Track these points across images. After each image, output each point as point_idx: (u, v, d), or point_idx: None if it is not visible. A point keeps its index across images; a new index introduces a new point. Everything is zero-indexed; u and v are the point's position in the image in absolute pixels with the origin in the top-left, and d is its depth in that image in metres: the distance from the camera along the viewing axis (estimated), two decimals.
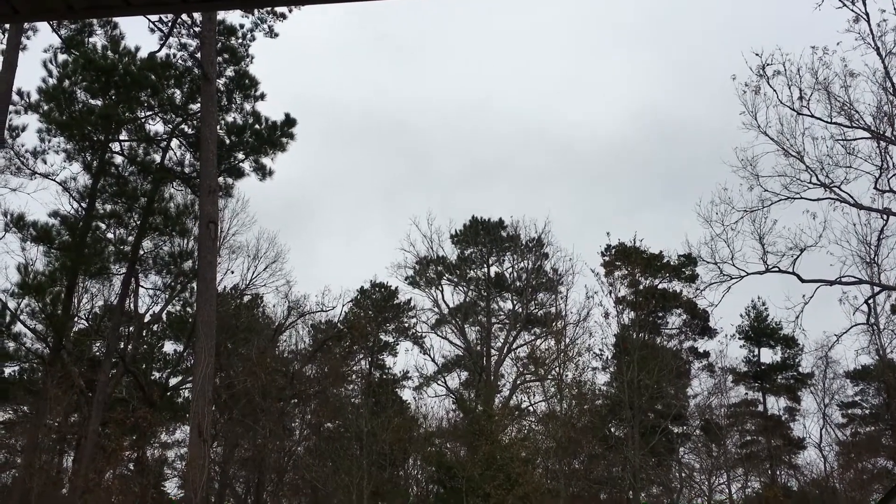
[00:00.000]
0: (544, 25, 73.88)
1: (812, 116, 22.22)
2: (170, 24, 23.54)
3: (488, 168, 65.38)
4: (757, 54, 22.78)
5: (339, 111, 70.20)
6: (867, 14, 20.98)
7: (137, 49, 26.51)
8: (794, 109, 22.33)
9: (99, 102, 26.44)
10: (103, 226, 27.82)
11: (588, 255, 59.36)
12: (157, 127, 27.94)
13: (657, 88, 68.79)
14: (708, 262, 24.20)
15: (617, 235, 44.04)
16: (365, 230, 60.65)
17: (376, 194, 63.62)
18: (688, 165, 60.90)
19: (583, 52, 69.00)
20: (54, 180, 26.84)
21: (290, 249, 51.61)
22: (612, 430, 35.07)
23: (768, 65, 22.28)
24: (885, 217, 22.69)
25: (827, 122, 22.11)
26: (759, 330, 43.39)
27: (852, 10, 20.96)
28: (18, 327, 26.93)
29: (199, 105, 24.54)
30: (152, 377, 31.75)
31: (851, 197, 22.25)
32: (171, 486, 35.20)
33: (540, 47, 69.87)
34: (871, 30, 20.97)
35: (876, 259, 25.07)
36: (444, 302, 40.95)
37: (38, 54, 26.02)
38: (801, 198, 22.62)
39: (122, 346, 28.69)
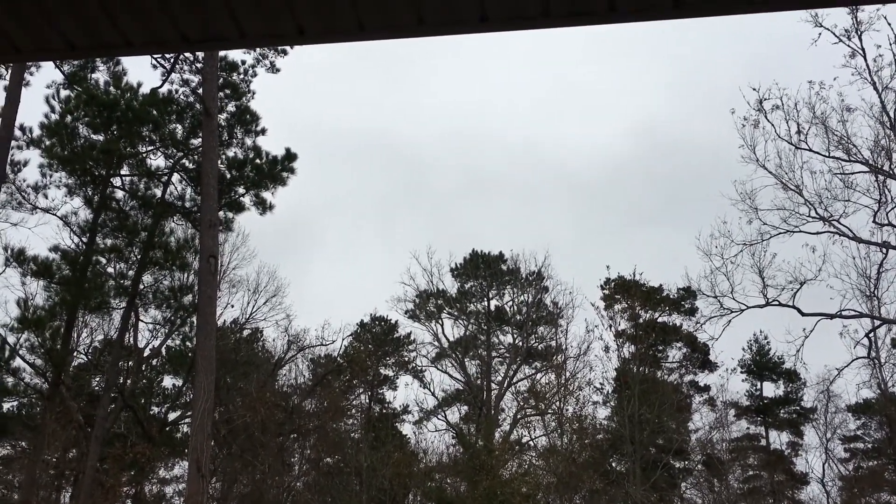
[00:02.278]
0: (535, 46, 74.05)
1: (810, 150, 22.43)
2: (172, 60, 23.77)
3: (484, 185, 65.36)
4: (754, 89, 23.05)
5: (330, 131, 69.96)
6: (863, 50, 21.29)
7: (140, 85, 26.72)
8: (792, 143, 22.55)
9: (101, 137, 26.57)
10: (104, 260, 27.82)
11: (586, 279, 58.57)
12: (158, 162, 28.04)
13: (656, 104, 68.73)
14: (708, 296, 24.29)
15: (616, 268, 43.81)
16: (363, 253, 60.24)
17: (373, 215, 63.24)
18: (687, 182, 60.74)
19: (577, 69, 68.83)
20: (55, 215, 26.87)
21: (290, 283, 51.28)
22: (614, 464, 34.82)
23: (766, 99, 22.55)
24: (884, 251, 22.78)
25: (825, 155, 22.30)
26: (761, 364, 43.21)
27: (848, 46, 21.28)
28: (17, 362, 26.83)
29: (200, 140, 24.68)
30: (151, 412, 31.60)
31: (850, 230, 22.38)
32: None
33: (533, 64, 69.55)
34: (867, 65, 21.27)
35: (876, 293, 25.06)
36: (444, 335, 40.88)
37: (41, 90, 26.22)
38: (801, 231, 22.75)
39: (121, 381, 28.57)
